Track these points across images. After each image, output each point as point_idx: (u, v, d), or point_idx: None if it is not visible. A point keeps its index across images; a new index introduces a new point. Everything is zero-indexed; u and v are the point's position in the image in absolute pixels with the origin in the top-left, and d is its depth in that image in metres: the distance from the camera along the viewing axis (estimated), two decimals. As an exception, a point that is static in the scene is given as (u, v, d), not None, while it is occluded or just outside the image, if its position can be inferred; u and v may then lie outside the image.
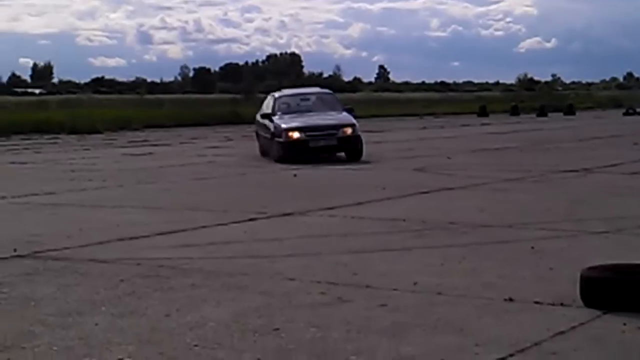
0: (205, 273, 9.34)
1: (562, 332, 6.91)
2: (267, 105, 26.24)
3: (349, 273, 9.19)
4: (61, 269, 9.70)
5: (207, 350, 6.63)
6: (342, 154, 24.36)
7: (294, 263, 9.85)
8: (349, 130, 24.10)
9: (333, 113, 25.26)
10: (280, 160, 23.44)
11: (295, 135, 23.77)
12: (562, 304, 7.72)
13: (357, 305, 7.92)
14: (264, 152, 25.73)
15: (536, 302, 7.83)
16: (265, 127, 25.25)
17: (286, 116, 24.80)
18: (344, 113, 25.35)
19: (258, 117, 26.97)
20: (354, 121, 24.75)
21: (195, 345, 6.73)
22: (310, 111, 25.29)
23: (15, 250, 10.77)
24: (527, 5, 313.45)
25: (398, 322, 7.31)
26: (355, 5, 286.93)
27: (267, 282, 8.88)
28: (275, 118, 24.74)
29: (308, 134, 23.79)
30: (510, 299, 7.93)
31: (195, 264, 9.86)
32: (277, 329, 7.12)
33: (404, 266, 9.56)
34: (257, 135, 27.14)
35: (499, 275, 8.96)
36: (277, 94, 26.47)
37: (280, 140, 23.85)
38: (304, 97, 26.58)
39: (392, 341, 6.77)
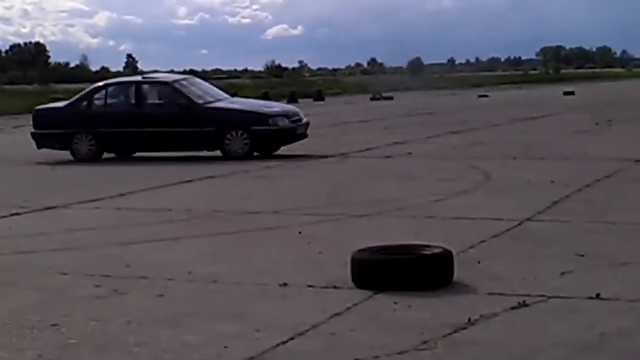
0: (-27, 271, 9.10)
1: (338, 314, 7.15)
2: (149, 93, 21.68)
3: (122, 265, 9.16)
4: None
5: (-15, 349, 6.50)
6: None
7: (64, 257, 9.73)
8: (303, 116, 22.19)
9: (255, 100, 24.43)
10: (252, 153, 20.36)
11: (284, 122, 20.80)
12: (334, 287, 7.98)
13: (134, 296, 7.93)
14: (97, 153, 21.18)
15: (310, 286, 8.05)
16: (178, 119, 20.65)
17: (235, 100, 22.52)
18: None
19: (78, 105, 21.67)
20: None
21: (-27, 346, 6.58)
22: (229, 97, 22.85)
23: None
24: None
25: (177, 311, 7.37)
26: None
27: (39, 277, 8.75)
28: (221, 104, 21.39)
29: (292, 120, 21.16)
30: (285, 284, 8.12)
31: (-39, 262, 9.59)
32: (56, 325, 7.04)
33: (176, 256, 9.61)
34: (73, 135, 21.17)
35: (271, 261, 9.14)
36: (169, 80, 21.92)
37: (264, 128, 20.30)
38: (199, 83, 23.12)
39: (173, 331, 6.83)
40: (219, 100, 21.68)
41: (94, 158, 20.95)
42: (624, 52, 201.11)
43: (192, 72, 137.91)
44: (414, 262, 7.92)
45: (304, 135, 21.43)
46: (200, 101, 21.05)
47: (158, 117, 20.92)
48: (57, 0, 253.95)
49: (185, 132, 20.52)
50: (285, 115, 21.12)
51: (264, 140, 20.46)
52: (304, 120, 21.75)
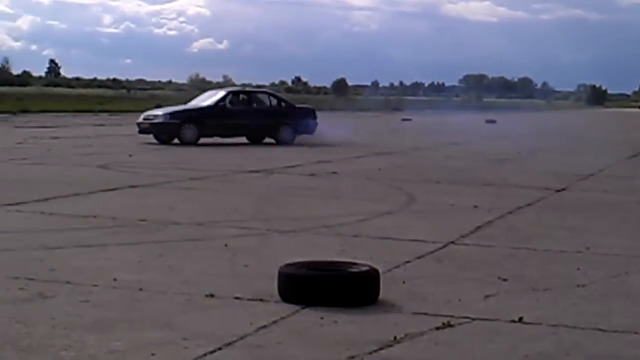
0: None
1: (264, 326, 7.18)
2: None
3: (47, 269, 9.07)
4: None
5: None
6: None
7: (-13, 259, 9.60)
8: None
9: None
10: None
11: None
12: (261, 300, 8.00)
13: (59, 300, 7.87)
14: None
15: (236, 298, 8.07)
16: None
17: None
18: None
19: None
20: None
21: None
22: None
23: None
24: (200, 6, 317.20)
25: (103, 317, 7.33)
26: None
27: (-38, 278, 8.63)
28: None
29: None
30: (212, 295, 8.13)
31: None
32: (-20, 326, 6.97)
33: (102, 262, 9.54)
34: None
35: (196, 272, 9.13)
36: None
37: None
38: None
39: (100, 336, 6.79)
40: None
41: None
42: (544, 84, 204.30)
43: (114, 81, 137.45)
44: (342, 279, 7.98)
45: None
46: None
47: None
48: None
49: None
50: None
51: None
52: None
